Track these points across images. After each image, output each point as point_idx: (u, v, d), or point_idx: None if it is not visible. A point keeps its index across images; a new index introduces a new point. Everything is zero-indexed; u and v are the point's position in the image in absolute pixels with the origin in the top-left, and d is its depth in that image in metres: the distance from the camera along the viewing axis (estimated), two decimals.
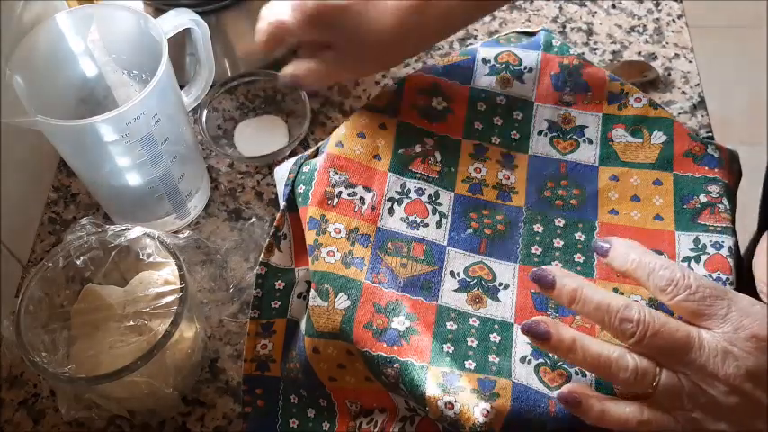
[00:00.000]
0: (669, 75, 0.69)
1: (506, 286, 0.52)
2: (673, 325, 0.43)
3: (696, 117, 0.66)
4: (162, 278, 0.52)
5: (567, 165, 0.57)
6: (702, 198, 0.54)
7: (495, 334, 0.50)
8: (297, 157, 0.58)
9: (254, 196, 0.64)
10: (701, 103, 0.67)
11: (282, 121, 0.67)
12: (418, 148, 0.57)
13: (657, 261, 0.44)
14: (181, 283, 0.49)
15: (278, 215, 0.56)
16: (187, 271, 0.50)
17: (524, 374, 0.48)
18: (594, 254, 0.52)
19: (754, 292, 0.49)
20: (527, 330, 0.45)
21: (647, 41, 0.71)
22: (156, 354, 0.46)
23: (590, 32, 0.72)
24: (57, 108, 0.54)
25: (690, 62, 0.70)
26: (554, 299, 0.47)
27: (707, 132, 0.64)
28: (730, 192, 0.56)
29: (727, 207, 0.54)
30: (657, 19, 0.73)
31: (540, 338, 0.44)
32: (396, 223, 0.54)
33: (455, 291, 0.52)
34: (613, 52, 0.71)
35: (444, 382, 0.47)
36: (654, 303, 0.50)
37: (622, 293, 0.51)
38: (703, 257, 0.52)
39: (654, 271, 0.44)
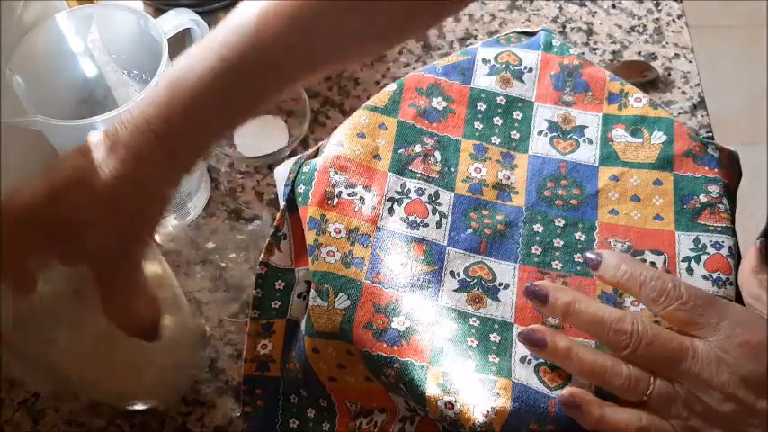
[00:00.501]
0: (669, 75, 0.69)
1: (506, 286, 0.52)
2: (666, 335, 0.43)
3: (696, 117, 0.66)
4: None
5: (566, 165, 0.57)
6: (702, 198, 0.54)
7: (494, 334, 0.50)
8: (297, 157, 0.58)
9: (254, 196, 0.64)
10: (700, 103, 0.67)
11: (282, 120, 0.67)
12: (418, 148, 0.57)
13: (648, 272, 0.45)
14: None
15: (278, 215, 0.56)
16: (187, 271, 0.50)
17: (524, 374, 0.48)
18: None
19: None
20: (523, 337, 0.46)
21: (647, 41, 0.71)
22: None
23: (590, 32, 0.72)
24: (57, 108, 0.54)
25: (690, 62, 0.70)
26: (547, 313, 0.48)
27: (707, 132, 0.64)
28: (730, 192, 0.56)
29: (728, 207, 0.54)
30: (657, 19, 0.73)
31: (535, 345, 0.46)
32: (396, 223, 0.54)
33: (455, 291, 0.52)
34: (613, 52, 0.71)
35: (444, 382, 0.47)
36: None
37: (622, 294, 0.51)
38: (703, 257, 0.52)
39: (645, 282, 0.45)
